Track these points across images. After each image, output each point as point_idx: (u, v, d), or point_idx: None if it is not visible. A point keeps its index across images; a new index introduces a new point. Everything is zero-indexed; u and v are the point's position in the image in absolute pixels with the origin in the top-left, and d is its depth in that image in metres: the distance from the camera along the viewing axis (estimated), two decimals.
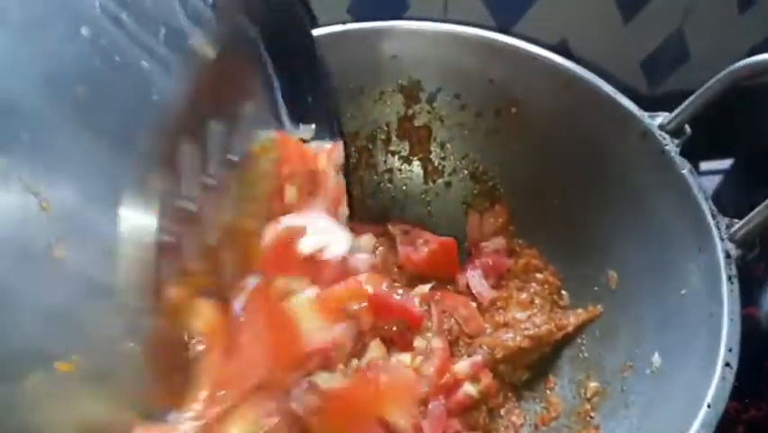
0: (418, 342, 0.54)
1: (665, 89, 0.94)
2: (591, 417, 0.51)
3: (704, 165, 0.87)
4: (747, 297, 0.66)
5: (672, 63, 0.92)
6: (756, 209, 0.47)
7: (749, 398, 0.63)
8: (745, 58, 0.54)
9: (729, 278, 0.46)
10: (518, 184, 0.64)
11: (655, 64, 0.92)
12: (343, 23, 0.61)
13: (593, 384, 0.53)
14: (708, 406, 0.41)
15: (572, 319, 0.58)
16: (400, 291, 0.51)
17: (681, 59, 0.92)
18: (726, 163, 0.90)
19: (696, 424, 0.40)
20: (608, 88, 0.57)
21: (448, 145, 0.67)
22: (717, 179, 0.88)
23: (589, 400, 0.53)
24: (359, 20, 0.64)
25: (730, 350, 0.43)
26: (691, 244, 0.49)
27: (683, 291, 0.49)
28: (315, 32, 0.60)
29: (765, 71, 0.47)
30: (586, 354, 0.56)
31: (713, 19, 0.87)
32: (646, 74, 0.92)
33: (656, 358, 0.49)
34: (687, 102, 0.53)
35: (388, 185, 0.69)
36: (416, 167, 0.69)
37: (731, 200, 0.79)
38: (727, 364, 0.43)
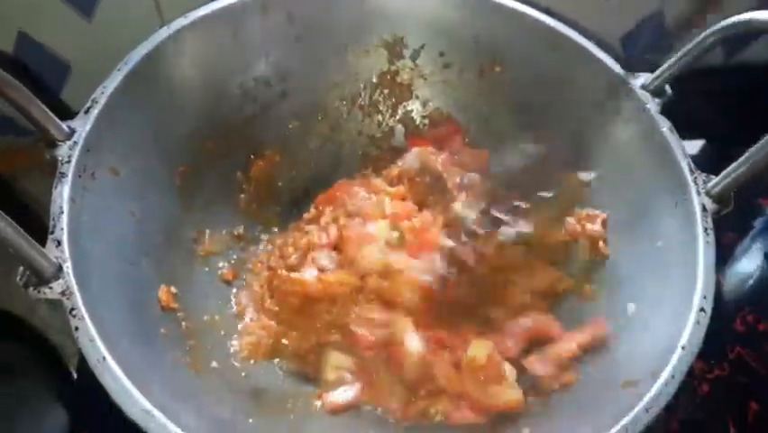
0: None
1: (640, 69, 0.96)
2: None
3: None
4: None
5: (649, 43, 0.94)
6: (732, 165, 0.48)
7: (714, 359, 0.65)
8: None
9: (705, 229, 0.47)
10: (501, 144, 0.64)
11: (633, 42, 0.93)
12: None
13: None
14: (683, 348, 0.42)
15: None
16: None
17: (659, 39, 0.93)
18: (696, 145, 0.92)
19: (670, 364, 0.41)
20: (591, 47, 0.57)
21: (430, 104, 0.67)
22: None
23: None
24: None
25: (705, 297, 0.44)
26: (669, 198, 0.50)
27: (659, 243, 0.50)
28: None
29: (750, 30, 0.48)
30: (561, 305, 0.57)
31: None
32: (624, 51, 0.94)
33: (631, 308, 0.50)
34: (668, 62, 0.54)
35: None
36: (398, 125, 0.68)
37: None
38: (702, 310, 0.44)
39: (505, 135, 0.63)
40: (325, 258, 0.57)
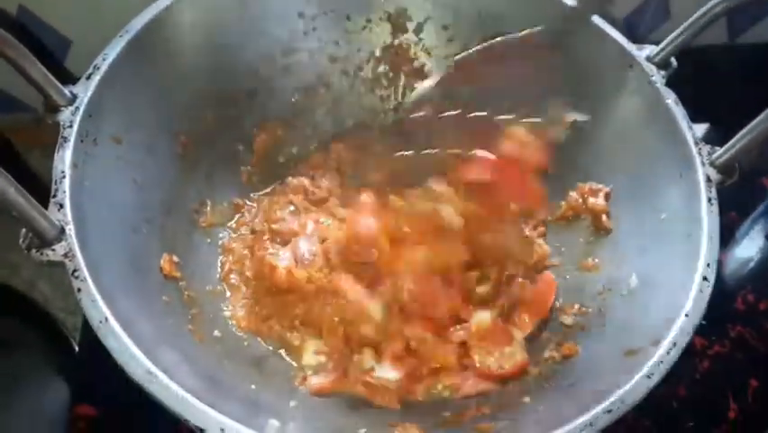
0: None
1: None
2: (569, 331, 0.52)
3: None
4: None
5: (653, 21, 0.93)
6: (737, 135, 0.48)
7: (715, 336, 0.65)
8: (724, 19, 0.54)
9: (709, 200, 0.47)
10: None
11: (637, 21, 0.93)
12: None
13: (572, 306, 0.54)
14: (686, 315, 0.42)
15: None
16: None
17: (663, 17, 0.93)
18: (701, 129, 0.92)
19: (673, 331, 0.41)
20: (597, 20, 0.57)
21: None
22: None
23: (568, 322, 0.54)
24: None
25: (708, 265, 0.44)
26: (673, 169, 0.50)
27: (663, 216, 0.50)
28: None
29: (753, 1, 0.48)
30: (567, 277, 0.57)
31: None
32: (628, 30, 0.93)
33: (633, 280, 0.50)
34: (674, 34, 0.54)
35: None
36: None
37: None
38: (705, 278, 0.44)
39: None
40: (306, 246, 0.57)
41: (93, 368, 0.50)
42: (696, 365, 0.63)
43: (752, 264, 0.73)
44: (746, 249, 0.74)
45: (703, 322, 0.66)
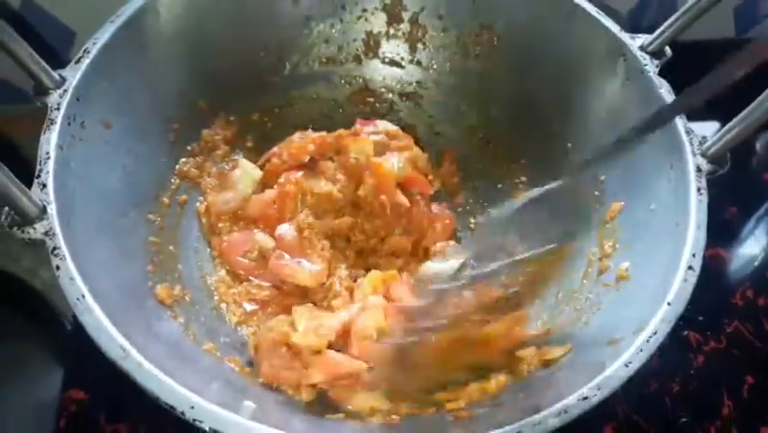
0: None
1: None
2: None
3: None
4: (716, 239, 0.66)
5: (659, 15, 0.92)
6: (728, 125, 0.47)
7: (710, 331, 0.64)
8: (731, 11, 0.51)
9: (699, 189, 0.46)
10: (497, 105, 0.64)
11: (642, 15, 0.91)
12: None
13: (559, 295, 0.53)
14: (669, 304, 0.41)
15: None
16: None
17: (670, 10, 0.91)
18: (712, 127, 0.90)
19: (656, 319, 0.41)
20: (590, 8, 0.56)
21: (429, 71, 0.66)
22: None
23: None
24: None
25: (694, 255, 0.43)
26: (664, 159, 0.49)
27: (652, 206, 0.49)
28: None
29: None
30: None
31: None
32: (632, 25, 0.92)
33: (621, 269, 0.49)
34: (667, 23, 0.53)
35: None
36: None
37: None
38: (690, 268, 0.43)
39: (502, 97, 0.63)
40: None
41: (84, 353, 0.50)
42: (690, 361, 0.62)
43: (756, 263, 0.72)
44: (751, 247, 0.73)
45: (699, 318, 0.65)
